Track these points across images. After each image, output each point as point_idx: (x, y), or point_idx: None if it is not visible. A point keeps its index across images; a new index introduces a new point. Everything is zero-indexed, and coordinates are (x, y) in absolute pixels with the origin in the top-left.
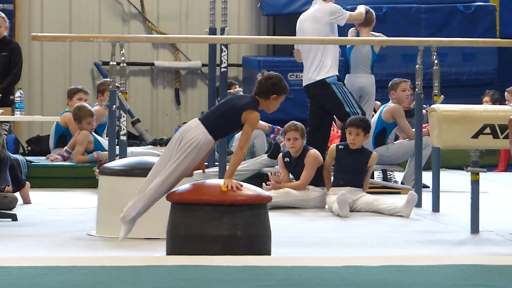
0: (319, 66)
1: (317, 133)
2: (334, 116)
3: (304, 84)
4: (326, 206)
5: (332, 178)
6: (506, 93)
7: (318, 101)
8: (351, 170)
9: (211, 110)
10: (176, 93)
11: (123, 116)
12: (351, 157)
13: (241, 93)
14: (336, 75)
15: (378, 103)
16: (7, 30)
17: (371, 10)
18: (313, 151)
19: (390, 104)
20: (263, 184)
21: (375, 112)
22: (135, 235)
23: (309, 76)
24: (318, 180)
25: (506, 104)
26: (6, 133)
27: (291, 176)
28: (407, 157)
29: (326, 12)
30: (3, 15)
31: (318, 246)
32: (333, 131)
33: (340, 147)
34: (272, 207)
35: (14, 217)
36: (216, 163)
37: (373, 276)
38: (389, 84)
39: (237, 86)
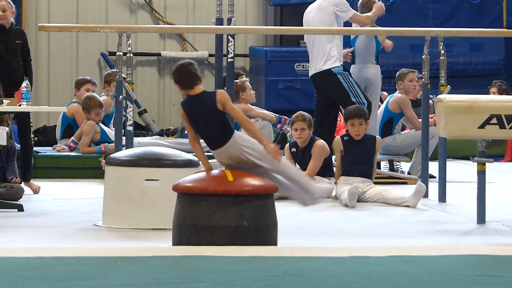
0: (325, 56)
1: (324, 124)
2: (340, 106)
3: (310, 74)
4: (333, 193)
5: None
6: None
7: (324, 91)
8: (361, 160)
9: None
10: None
11: (130, 107)
12: (358, 147)
13: (248, 83)
14: (342, 65)
15: (385, 93)
16: (13, 15)
17: None
18: (320, 142)
19: (397, 95)
20: None
21: (382, 102)
22: (141, 226)
23: (315, 66)
24: (325, 171)
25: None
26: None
27: (297, 166)
28: (413, 148)
29: (331, 2)
30: None
31: (325, 236)
32: (340, 121)
33: (345, 138)
34: (278, 197)
35: (20, 208)
36: None
37: (380, 267)
38: (397, 74)
39: (243, 76)
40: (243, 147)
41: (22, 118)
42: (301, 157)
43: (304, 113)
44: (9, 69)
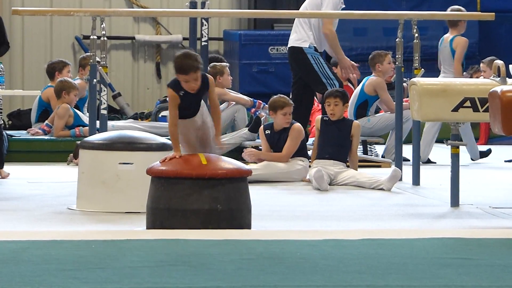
0: (300, 34)
1: (299, 107)
2: (312, 87)
3: (288, 46)
4: (307, 176)
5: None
6: (481, 64)
7: (296, 70)
8: (335, 142)
9: None
10: (157, 67)
11: (104, 90)
12: (333, 128)
13: (227, 69)
14: (314, 47)
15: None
16: None
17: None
18: (297, 125)
19: (372, 77)
20: (244, 150)
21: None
22: (115, 209)
23: (291, 37)
24: (300, 153)
25: (481, 75)
26: None
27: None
28: (388, 130)
29: None
30: None
31: (299, 219)
32: (314, 104)
33: (324, 118)
34: (252, 180)
35: None
36: None
37: (354, 250)
38: (372, 57)
39: (223, 59)
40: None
41: None
42: (277, 140)
43: (287, 97)
44: None
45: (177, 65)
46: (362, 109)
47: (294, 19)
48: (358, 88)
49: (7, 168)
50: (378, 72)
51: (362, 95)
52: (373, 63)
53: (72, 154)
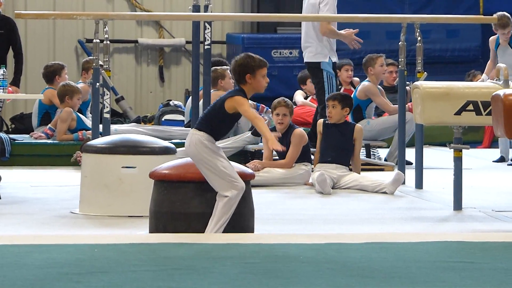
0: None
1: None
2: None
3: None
4: (310, 180)
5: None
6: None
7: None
8: (337, 146)
9: (203, 113)
10: (160, 71)
11: (107, 94)
12: (335, 132)
13: (228, 72)
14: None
15: (357, 79)
16: (1, 6)
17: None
18: (299, 130)
19: (364, 83)
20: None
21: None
22: (118, 213)
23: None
24: (303, 158)
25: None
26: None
27: (274, 153)
28: (389, 133)
29: None
30: None
31: (302, 223)
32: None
33: (326, 122)
34: (255, 185)
35: None
36: None
37: (357, 253)
38: (364, 61)
39: (226, 63)
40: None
41: None
42: (279, 143)
43: (287, 99)
44: None
45: (257, 60)
46: (358, 113)
47: (299, 23)
48: (354, 92)
49: (10, 172)
50: (371, 75)
51: (354, 100)
52: (366, 67)
53: (78, 152)
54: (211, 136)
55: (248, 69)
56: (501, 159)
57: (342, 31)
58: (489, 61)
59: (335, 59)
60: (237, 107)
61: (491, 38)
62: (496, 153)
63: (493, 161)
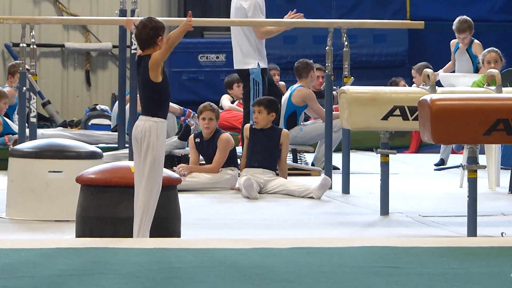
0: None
1: None
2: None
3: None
4: (237, 185)
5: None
6: (412, 71)
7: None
8: (264, 150)
9: (141, 100)
10: (87, 75)
11: (33, 98)
12: (262, 136)
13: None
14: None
15: (282, 83)
16: None
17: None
18: (226, 135)
19: (300, 88)
20: (174, 169)
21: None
22: (45, 217)
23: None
24: (230, 162)
25: (413, 81)
26: None
27: (201, 157)
28: (320, 138)
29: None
30: None
31: (228, 228)
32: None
33: (253, 126)
34: (182, 189)
35: None
36: (126, 145)
37: (283, 258)
38: (303, 65)
39: None
40: (144, 135)
41: None
42: (206, 148)
43: (213, 104)
44: None
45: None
46: (292, 119)
47: (225, 28)
48: (285, 98)
49: None
50: (305, 81)
51: (290, 106)
52: (306, 71)
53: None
54: (162, 117)
55: (158, 31)
56: (441, 162)
57: (281, 19)
58: (449, 62)
59: (263, 65)
60: (153, 58)
61: (452, 41)
62: (422, 158)
63: (434, 164)
